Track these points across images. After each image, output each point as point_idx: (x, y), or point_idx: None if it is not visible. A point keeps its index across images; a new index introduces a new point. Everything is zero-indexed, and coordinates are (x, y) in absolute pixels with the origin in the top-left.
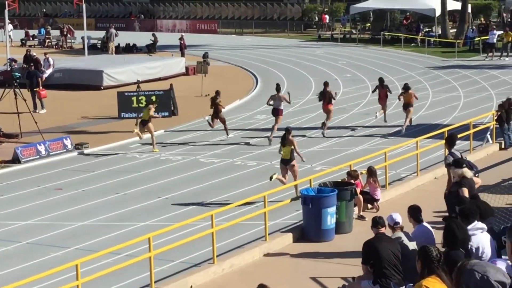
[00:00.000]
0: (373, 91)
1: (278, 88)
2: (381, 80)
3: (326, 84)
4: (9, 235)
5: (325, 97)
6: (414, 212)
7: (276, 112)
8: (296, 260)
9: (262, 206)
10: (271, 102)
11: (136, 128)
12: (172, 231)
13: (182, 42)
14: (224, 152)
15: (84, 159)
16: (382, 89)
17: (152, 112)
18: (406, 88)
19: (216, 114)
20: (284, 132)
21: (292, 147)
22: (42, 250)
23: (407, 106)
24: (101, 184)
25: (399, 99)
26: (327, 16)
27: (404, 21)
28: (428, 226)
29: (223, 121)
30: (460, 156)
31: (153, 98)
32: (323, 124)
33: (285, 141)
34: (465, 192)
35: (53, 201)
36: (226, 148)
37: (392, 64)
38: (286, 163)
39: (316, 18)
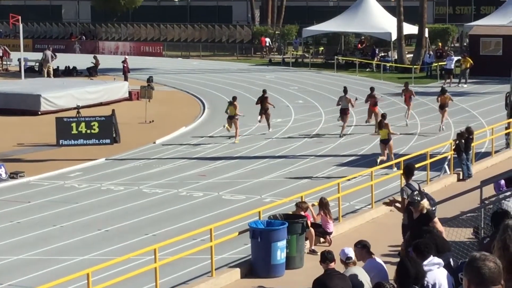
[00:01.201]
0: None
1: (345, 90)
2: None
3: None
4: None
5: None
6: (365, 246)
7: (344, 112)
8: None
9: (208, 239)
10: (340, 103)
11: (225, 124)
12: (113, 266)
13: (125, 65)
14: (168, 182)
15: (19, 188)
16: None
17: (238, 110)
18: (443, 91)
19: (265, 110)
20: (380, 118)
21: (388, 129)
22: None
23: (443, 107)
24: (37, 216)
25: (438, 100)
26: (267, 39)
27: (359, 45)
28: (380, 260)
29: (267, 117)
30: (418, 188)
31: (95, 124)
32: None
33: (382, 125)
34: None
35: None
36: (171, 178)
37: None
38: (386, 142)
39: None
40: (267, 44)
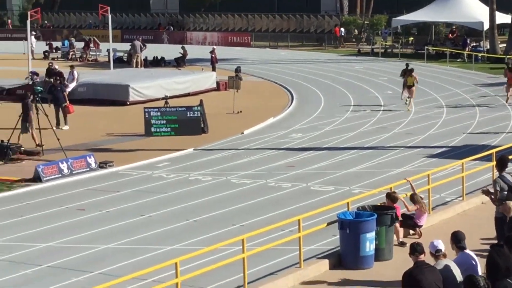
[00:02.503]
0: (504, 76)
1: (407, 66)
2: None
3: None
4: (28, 258)
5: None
6: (457, 239)
7: (410, 87)
8: None
9: (297, 230)
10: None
11: (404, 92)
12: (201, 256)
13: (213, 55)
14: (257, 172)
15: (109, 178)
16: (510, 73)
17: (416, 79)
18: None
19: (408, 86)
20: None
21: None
22: (63, 275)
23: None
24: (126, 205)
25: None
26: (342, 29)
27: (450, 35)
28: (472, 254)
29: (411, 94)
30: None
31: (183, 114)
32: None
33: (411, 73)
34: None
35: (76, 222)
36: (259, 168)
37: (436, 80)
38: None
39: (356, 31)
40: (342, 34)
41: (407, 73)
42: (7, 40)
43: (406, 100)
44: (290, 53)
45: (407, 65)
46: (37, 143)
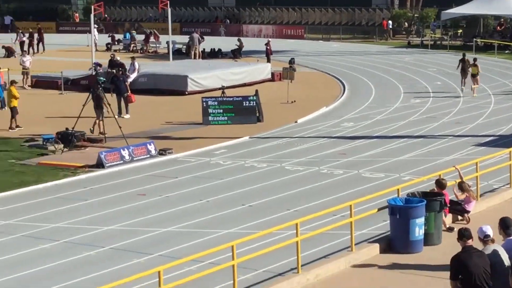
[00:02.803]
0: None
1: (464, 56)
2: None
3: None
4: (92, 240)
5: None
6: (505, 225)
7: (475, 76)
8: (383, 271)
9: (348, 215)
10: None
11: (464, 81)
12: (256, 239)
13: (268, 47)
14: (310, 160)
15: (168, 165)
16: None
17: (479, 69)
18: None
19: (473, 75)
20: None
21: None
22: (124, 256)
23: None
24: (184, 191)
25: None
26: (389, 22)
27: (498, 27)
28: None
29: (477, 82)
30: None
31: (239, 104)
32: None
33: (475, 63)
34: None
35: (136, 206)
36: (312, 156)
37: (485, 71)
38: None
39: (406, 24)
40: (389, 27)
41: (470, 63)
42: (72, 33)
43: (463, 88)
44: (342, 45)
45: (463, 55)
46: (101, 131)
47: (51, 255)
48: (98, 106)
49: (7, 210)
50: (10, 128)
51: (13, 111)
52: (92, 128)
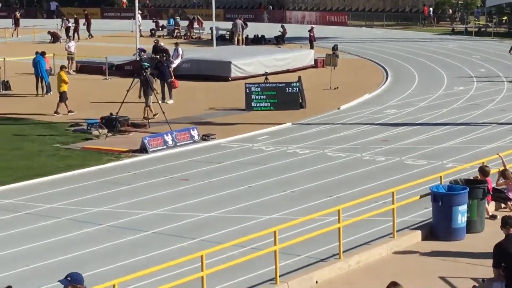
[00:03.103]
0: None
1: None
2: None
3: None
4: (135, 224)
5: None
6: None
7: None
8: (425, 258)
9: (390, 202)
10: None
11: None
12: (298, 225)
13: (311, 34)
14: (352, 146)
15: (211, 150)
16: None
17: None
18: None
19: None
20: None
21: None
22: (167, 240)
23: None
24: (227, 176)
25: None
26: (430, 8)
27: None
28: None
29: None
30: None
31: (282, 90)
32: None
33: None
34: None
35: (179, 191)
36: (354, 142)
37: None
38: None
39: (450, 11)
40: (430, 14)
41: None
42: (116, 18)
43: None
44: (385, 32)
45: None
46: (144, 116)
47: (94, 239)
48: (146, 91)
49: (52, 193)
50: (56, 112)
51: (63, 96)
52: (148, 115)
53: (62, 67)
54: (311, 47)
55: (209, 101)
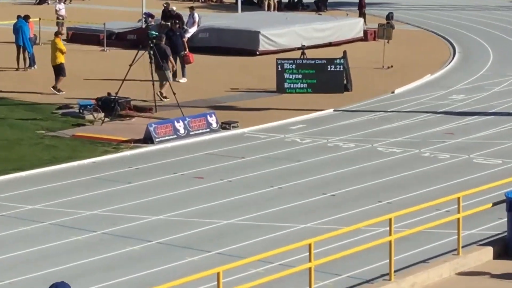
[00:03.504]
0: None
1: None
2: None
3: None
4: (137, 232)
5: None
6: None
7: None
8: (498, 282)
9: (455, 210)
10: None
11: None
12: (339, 237)
13: None
14: (408, 140)
15: (232, 141)
16: None
17: None
18: None
19: None
20: None
21: None
22: (175, 253)
23: None
24: (252, 174)
25: None
26: None
27: None
28: None
29: None
30: None
31: (323, 68)
32: None
33: None
34: None
35: (192, 192)
36: (411, 135)
37: None
38: None
39: None
40: None
41: None
42: None
43: None
44: None
45: None
46: (161, 90)
47: (85, 249)
48: (159, 66)
49: (34, 192)
50: (55, 88)
51: (59, 69)
52: (162, 93)
53: (57, 33)
54: (360, 15)
55: (231, 81)
